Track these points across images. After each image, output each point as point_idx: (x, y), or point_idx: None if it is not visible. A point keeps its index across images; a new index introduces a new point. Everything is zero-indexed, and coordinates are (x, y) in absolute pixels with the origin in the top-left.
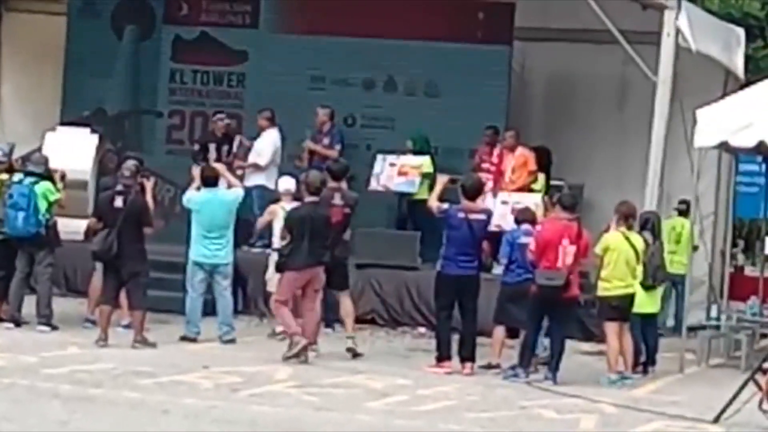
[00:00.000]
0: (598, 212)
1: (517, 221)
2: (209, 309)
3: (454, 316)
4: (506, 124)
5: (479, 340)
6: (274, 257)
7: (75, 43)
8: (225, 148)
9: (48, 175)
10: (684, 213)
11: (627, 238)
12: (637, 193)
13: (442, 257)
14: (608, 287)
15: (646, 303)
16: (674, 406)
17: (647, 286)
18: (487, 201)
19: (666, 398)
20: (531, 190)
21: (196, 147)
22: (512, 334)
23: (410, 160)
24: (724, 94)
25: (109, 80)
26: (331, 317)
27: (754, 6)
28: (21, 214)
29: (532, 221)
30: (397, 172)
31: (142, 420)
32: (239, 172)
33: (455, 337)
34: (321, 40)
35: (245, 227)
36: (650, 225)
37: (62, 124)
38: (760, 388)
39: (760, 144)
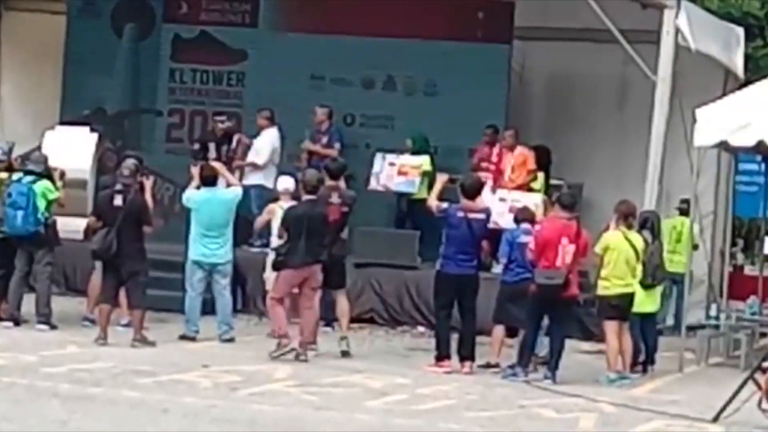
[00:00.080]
0: (597, 211)
1: (517, 220)
2: (208, 308)
3: (454, 315)
4: (506, 123)
5: (478, 339)
6: (272, 256)
7: (75, 42)
8: (224, 147)
9: (47, 174)
10: (685, 212)
11: (627, 238)
12: (636, 192)
13: (441, 256)
14: (608, 286)
15: (645, 302)
16: (674, 405)
17: (647, 285)
18: (484, 197)
19: (665, 397)
20: (530, 189)
21: (196, 146)
22: (511, 333)
23: (410, 159)
24: (724, 94)
25: (109, 79)
26: (330, 316)
27: (754, 5)
28: (20, 213)
29: (532, 220)
30: (396, 172)
31: (141, 419)
32: (237, 170)
33: (455, 336)
34: (321, 40)
35: (244, 226)
36: (650, 224)
37: (62, 123)
38: (759, 387)
39: (760, 143)
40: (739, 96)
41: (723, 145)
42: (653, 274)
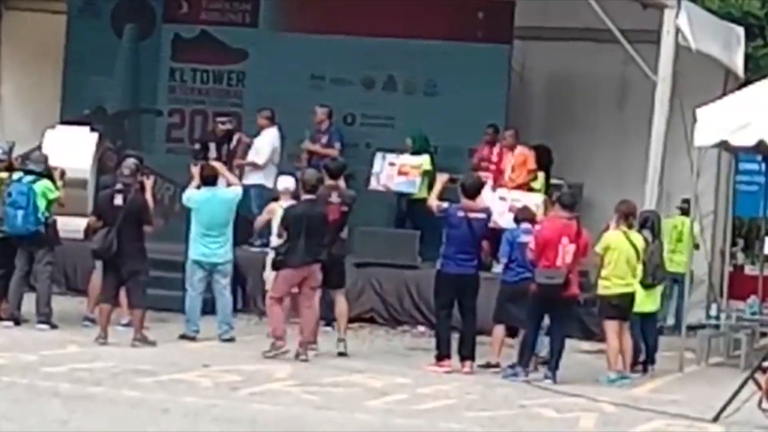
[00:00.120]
0: (597, 211)
1: (517, 220)
2: (209, 308)
3: (454, 314)
4: (506, 123)
5: (479, 338)
6: (272, 256)
7: (75, 42)
8: (225, 147)
9: (48, 174)
10: (686, 212)
11: (628, 237)
12: (636, 192)
13: (441, 256)
14: (608, 286)
15: (645, 302)
16: (674, 404)
17: (647, 285)
18: (484, 196)
19: (666, 397)
20: (531, 189)
21: (197, 146)
22: (512, 333)
23: (410, 159)
24: (724, 93)
25: (109, 79)
26: (331, 316)
27: (754, 5)
28: (20, 213)
29: (532, 220)
30: (397, 172)
31: (141, 419)
32: (237, 170)
33: (455, 336)
34: (321, 39)
35: (245, 226)
36: (650, 224)
37: (62, 122)
38: (759, 386)
39: (760, 143)
40: (739, 96)
41: (723, 145)
42: (653, 273)
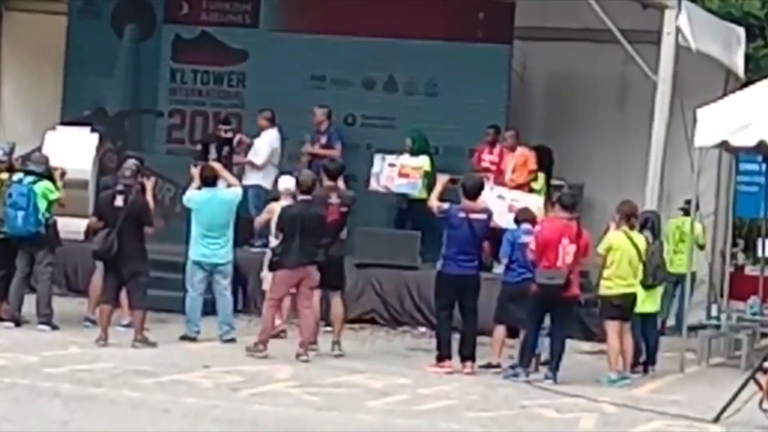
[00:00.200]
0: (598, 212)
1: (517, 221)
2: (209, 308)
3: (455, 315)
4: (506, 123)
5: (479, 339)
6: (269, 256)
7: (75, 43)
8: (225, 149)
9: (48, 175)
10: (689, 212)
11: (629, 238)
12: (637, 192)
13: (442, 257)
14: (610, 286)
15: (646, 302)
16: (674, 405)
17: (647, 286)
18: (483, 194)
19: (666, 397)
20: (531, 190)
21: (198, 147)
22: (512, 333)
23: (410, 160)
24: (725, 94)
25: (110, 80)
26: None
27: (755, 5)
28: (20, 214)
29: (532, 220)
30: (397, 173)
31: (142, 419)
32: (237, 167)
33: (456, 337)
34: (321, 40)
35: (245, 227)
36: (650, 224)
37: (62, 123)
38: (760, 387)
39: (760, 143)
40: (739, 96)
41: (724, 146)
42: (654, 274)
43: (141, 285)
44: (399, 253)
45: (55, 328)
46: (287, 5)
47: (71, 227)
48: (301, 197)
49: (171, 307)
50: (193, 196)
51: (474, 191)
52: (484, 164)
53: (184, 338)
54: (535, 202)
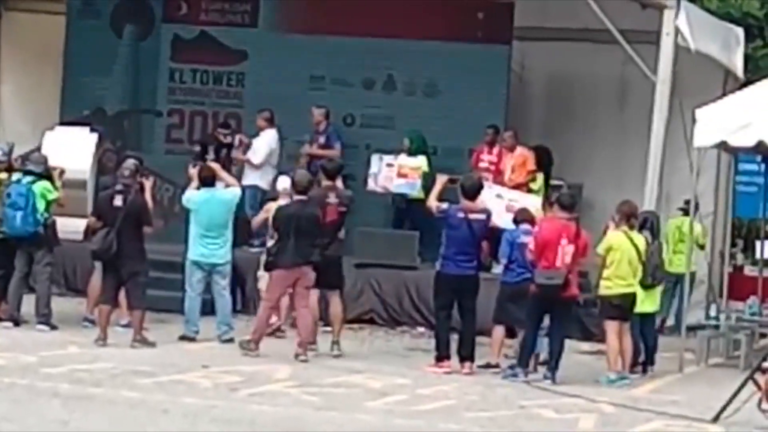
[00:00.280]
0: (597, 212)
1: (516, 221)
2: (208, 308)
3: (454, 315)
4: (506, 124)
5: (478, 339)
6: (266, 255)
7: (74, 43)
8: (224, 150)
9: (47, 175)
10: (689, 213)
11: (629, 238)
12: (636, 192)
13: (441, 257)
14: (610, 286)
15: (645, 302)
16: (673, 405)
17: (646, 286)
18: (482, 193)
19: (665, 398)
20: (529, 190)
21: (197, 148)
22: (510, 333)
23: (408, 161)
24: (724, 94)
25: (109, 79)
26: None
27: (753, 5)
28: (19, 214)
29: (531, 221)
30: (396, 174)
31: (141, 419)
32: (235, 167)
33: (454, 337)
34: (320, 40)
35: (244, 227)
36: (649, 224)
37: (62, 123)
38: (759, 387)
39: (760, 144)
40: (738, 96)
41: (723, 146)
42: (653, 274)
43: (140, 285)
44: (398, 253)
45: (54, 328)
46: (286, 5)
47: (70, 227)
48: (296, 197)
49: (170, 307)
50: (191, 196)
51: (473, 191)
52: (483, 164)
53: (182, 338)
54: (532, 203)
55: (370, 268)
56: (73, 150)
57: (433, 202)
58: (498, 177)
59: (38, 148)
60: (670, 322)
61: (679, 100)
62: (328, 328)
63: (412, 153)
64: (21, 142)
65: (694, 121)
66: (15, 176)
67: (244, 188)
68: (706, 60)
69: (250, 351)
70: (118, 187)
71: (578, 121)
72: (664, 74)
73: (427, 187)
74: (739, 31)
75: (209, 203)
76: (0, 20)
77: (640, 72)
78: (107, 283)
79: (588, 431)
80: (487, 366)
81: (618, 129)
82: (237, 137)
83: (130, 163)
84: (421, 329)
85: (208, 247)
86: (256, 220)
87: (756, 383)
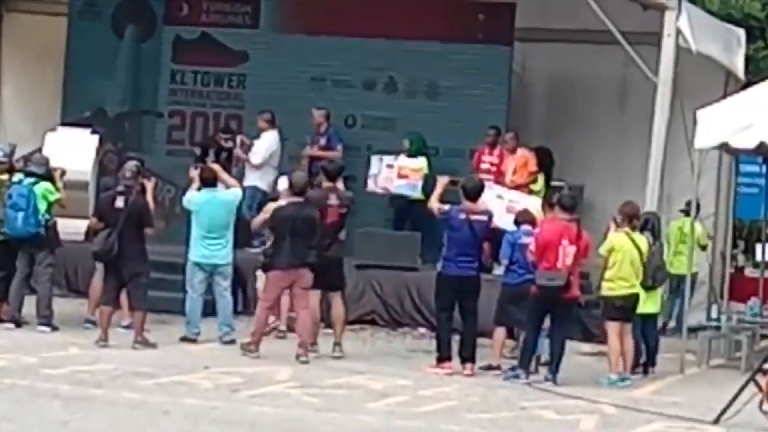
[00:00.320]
0: (598, 213)
1: (517, 222)
2: (209, 309)
3: (455, 316)
4: (507, 125)
5: (480, 341)
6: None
7: (75, 44)
8: (224, 153)
9: (48, 176)
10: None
11: (632, 239)
12: (637, 193)
13: (442, 258)
14: (613, 287)
15: (646, 303)
16: (674, 406)
17: (647, 287)
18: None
19: (666, 399)
20: (530, 191)
21: (198, 151)
22: (508, 335)
23: (408, 162)
24: (725, 95)
25: (110, 81)
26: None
27: (755, 7)
28: (20, 215)
29: (532, 222)
30: (396, 175)
31: (142, 420)
32: (236, 169)
33: (456, 338)
34: (321, 41)
35: (245, 228)
36: (650, 225)
37: (63, 124)
38: (760, 389)
39: (761, 145)
40: (740, 97)
41: (724, 147)
42: (654, 275)
43: (141, 286)
44: (399, 254)
45: (55, 329)
46: (287, 6)
47: (71, 228)
48: (293, 199)
49: (171, 308)
50: (192, 197)
51: (474, 193)
52: (485, 165)
53: (184, 339)
54: (533, 204)
55: (371, 269)
56: (74, 151)
57: (434, 204)
58: (499, 178)
59: (39, 149)
60: (672, 323)
61: (680, 101)
62: (330, 330)
63: (411, 154)
64: (22, 143)
65: (695, 122)
66: (16, 177)
67: (243, 189)
68: (708, 61)
69: (250, 353)
70: (120, 188)
71: (579, 122)
72: (666, 75)
73: (427, 189)
74: (741, 33)
75: (210, 204)
76: (1, 21)
77: (641, 73)
78: (108, 284)
79: None
80: (489, 367)
81: (619, 130)
82: (238, 138)
83: (132, 164)
84: (423, 330)
85: (209, 248)
86: (257, 221)
87: (757, 384)
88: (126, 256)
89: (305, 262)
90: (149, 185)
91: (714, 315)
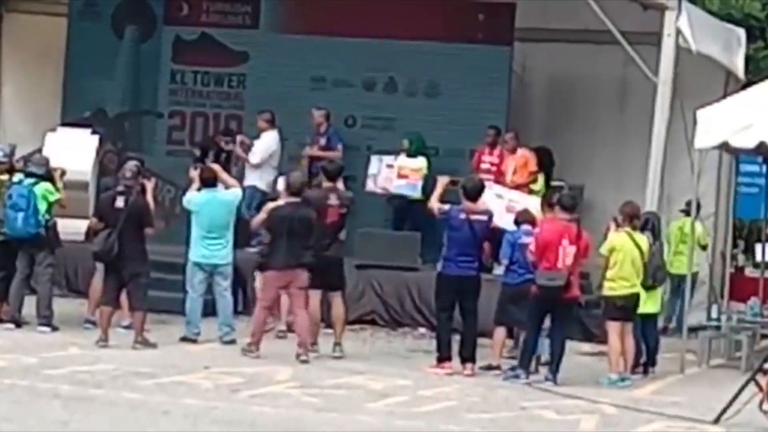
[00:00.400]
0: (598, 213)
1: (517, 222)
2: (209, 310)
3: (455, 316)
4: (507, 125)
5: (480, 341)
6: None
7: (75, 44)
8: (224, 154)
9: (48, 176)
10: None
11: (632, 239)
12: (637, 193)
13: (442, 258)
14: (614, 287)
15: (646, 303)
16: (675, 406)
17: (647, 287)
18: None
19: (666, 399)
20: (531, 191)
21: (198, 152)
22: (507, 335)
23: (408, 162)
24: (725, 95)
25: (110, 81)
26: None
27: (755, 6)
28: (20, 215)
29: (533, 222)
30: (396, 175)
31: (142, 420)
32: (236, 168)
33: (456, 338)
34: (321, 41)
35: (245, 228)
36: (650, 225)
37: (63, 124)
38: (760, 388)
39: (761, 145)
40: (740, 97)
41: (724, 147)
42: (654, 275)
43: (141, 286)
44: (399, 254)
45: (55, 329)
46: (287, 6)
47: (71, 228)
48: (290, 199)
49: (171, 308)
50: (192, 197)
51: (474, 193)
52: (485, 165)
53: (184, 339)
54: (533, 203)
55: (371, 269)
56: (74, 151)
57: (434, 204)
58: (499, 178)
59: (39, 150)
60: (672, 323)
61: (680, 101)
62: (330, 330)
63: (411, 154)
64: (21, 143)
65: (695, 122)
66: (16, 177)
67: (243, 189)
68: (708, 61)
69: (251, 353)
70: (120, 188)
71: (579, 122)
72: (666, 75)
73: (427, 189)
74: (741, 33)
75: (210, 204)
76: (1, 21)
77: (641, 73)
78: (108, 284)
79: None
80: (489, 367)
81: (619, 130)
82: (238, 138)
83: (132, 164)
84: (423, 330)
85: (209, 249)
86: (256, 221)
87: (757, 384)
88: (126, 257)
89: (301, 263)
90: (149, 185)
91: (714, 315)
